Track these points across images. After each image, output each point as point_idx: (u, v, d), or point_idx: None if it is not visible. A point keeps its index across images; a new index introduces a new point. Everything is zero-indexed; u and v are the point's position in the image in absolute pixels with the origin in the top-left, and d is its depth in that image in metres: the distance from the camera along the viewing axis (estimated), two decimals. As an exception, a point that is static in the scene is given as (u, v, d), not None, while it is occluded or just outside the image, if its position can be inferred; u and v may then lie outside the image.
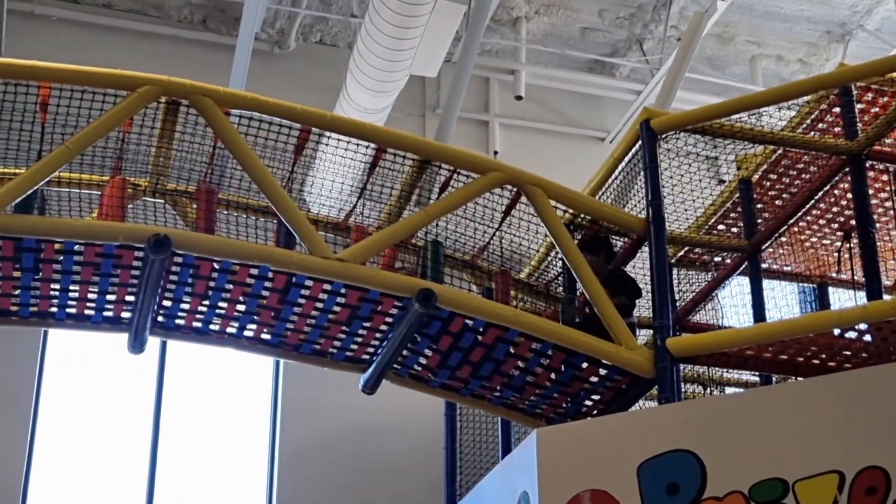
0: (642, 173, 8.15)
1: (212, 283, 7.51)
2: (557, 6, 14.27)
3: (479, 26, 12.15)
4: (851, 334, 7.49)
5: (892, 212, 8.76)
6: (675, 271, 9.69)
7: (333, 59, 13.88)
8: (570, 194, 8.15)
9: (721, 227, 9.76)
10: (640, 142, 8.20)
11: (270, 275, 7.40)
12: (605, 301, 7.82)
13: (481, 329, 7.69)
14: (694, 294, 9.80)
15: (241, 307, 7.74)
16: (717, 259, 9.77)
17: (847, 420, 6.05)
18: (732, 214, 9.65)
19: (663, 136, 8.16)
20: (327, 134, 7.90)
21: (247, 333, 8.08)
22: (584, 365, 7.81)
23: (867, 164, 8.54)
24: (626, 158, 8.58)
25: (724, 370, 9.55)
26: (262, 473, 12.40)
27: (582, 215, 8.41)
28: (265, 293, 7.56)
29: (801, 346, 7.57)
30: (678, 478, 6.18)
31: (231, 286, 7.53)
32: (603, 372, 7.81)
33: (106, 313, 7.80)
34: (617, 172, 8.77)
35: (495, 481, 7.39)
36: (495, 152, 14.27)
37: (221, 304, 7.72)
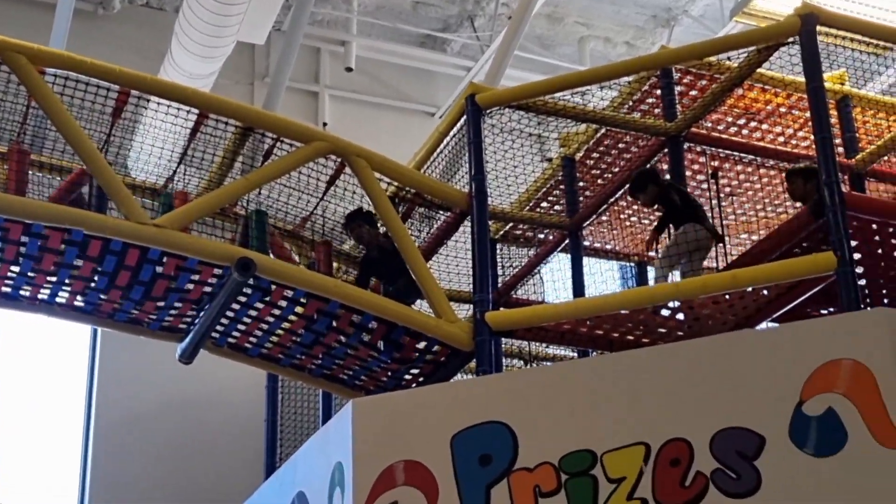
0: (467, 148, 8.18)
1: (22, 249, 7.24)
2: (390, -21, 14.24)
3: (309, -5, 12.02)
4: (665, 312, 7.68)
5: (708, 193, 8.98)
6: (498, 247, 9.78)
7: (159, 23, 13.53)
8: (394, 166, 8.13)
9: (544, 204, 9.89)
10: (465, 116, 8.22)
11: (84, 240, 7.17)
12: (426, 273, 7.85)
13: (302, 300, 7.62)
14: (516, 270, 9.90)
15: (53, 273, 7.50)
16: (539, 236, 9.89)
17: (654, 393, 6.19)
18: (555, 192, 9.79)
19: (488, 111, 8.20)
20: (148, 97, 7.69)
21: (59, 300, 7.85)
22: (405, 337, 7.82)
23: (685, 146, 8.75)
24: (452, 133, 8.61)
25: (546, 346, 9.70)
26: (77, 445, 12.08)
27: (406, 188, 8.41)
28: (78, 260, 7.33)
29: (617, 322, 7.73)
30: (491, 449, 6.23)
31: (42, 251, 7.28)
32: (423, 344, 7.83)
33: None
34: (442, 147, 8.78)
35: (311, 452, 7.34)
36: (324, 124, 14.16)
37: (32, 269, 7.46)
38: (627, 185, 8.35)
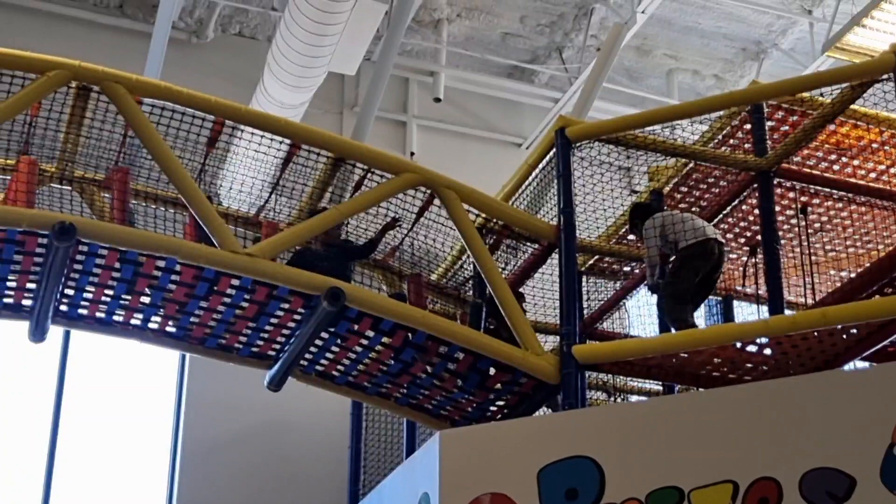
0: (556, 181, 8.19)
1: (117, 274, 7.40)
2: (479, 10, 14.30)
3: (399, 26, 12.13)
4: (752, 348, 7.60)
5: (796, 229, 8.90)
6: (584, 279, 9.76)
7: (252, 52, 13.75)
8: (483, 198, 8.17)
9: (632, 237, 9.84)
10: (554, 149, 8.24)
11: (178, 267, 7.31)
12: (513, 305, 7.85)
13: (389, 330, 7.68)
14: (602, 302, 9.87)
15: (146, 299, 7.65)
16: (626, 268, 9.85)
17: (743, 431, 6.13)
18: (643, 225, 9.72)
19: (577, 144, 8.21)
20: (241, 127, 7.83)
21: (151, 325, 7.99)
22: (491, 369, 7.83)
23: (775, 181, 8.68)
24: (541, 165, 8.63)
25: (629, 379, 9.65)
26: (164, 469, 12.24)
27: (494, 220, 8.44)
28: (171, 286, 7.47)
29: (704, 357, 7.67)
30: (577, 483, 6.23)
31: (137, 277, 7.43)
32: (509, 376, 7.84)
33: (6, 300, 7.66)
34: (531, 179, 8.81)
35: (397, 481, 7.39)
36: (412, 153, 14.26)
37: (126, 294, 7.62)
38: None
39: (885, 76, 7.64)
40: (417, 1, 12.81)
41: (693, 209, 9.34)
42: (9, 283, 7.50)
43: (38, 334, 7.67)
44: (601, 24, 14.36)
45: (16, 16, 13.14)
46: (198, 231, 7.66)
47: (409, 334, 7.68)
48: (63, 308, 7.78)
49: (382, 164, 7.96)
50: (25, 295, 7.61)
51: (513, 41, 14.84)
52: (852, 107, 8.16)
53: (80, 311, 7.84)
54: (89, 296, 7.67)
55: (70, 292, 7.62)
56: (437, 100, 14.61)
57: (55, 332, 8.11)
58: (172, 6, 11.58)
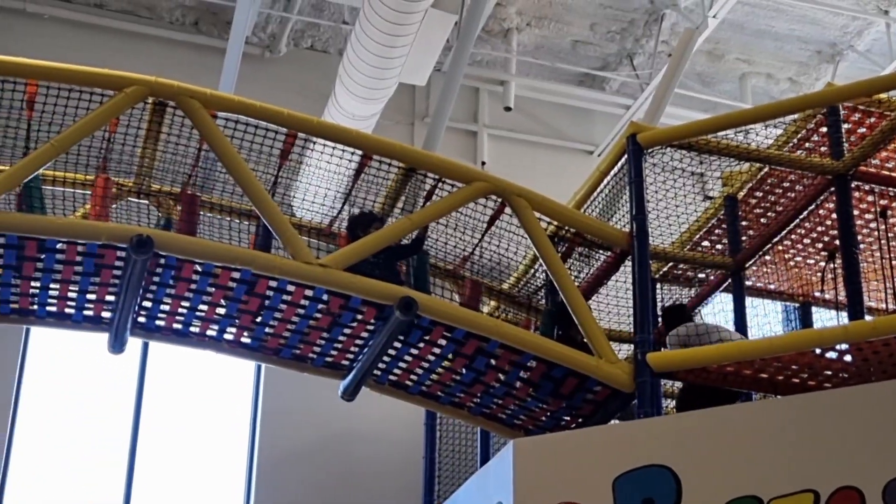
0: (628, 187, 8.15)
1: (193, 286, 7.50)
2: (549, 19, 14.28)
3: (469, 36, 12.15)
4: (832, 354, 7.49)
5: (876, 233, 8.75)
6: (658, 286, 9.68)
7: (323, 65, 13.87)
8: (555, 206, 8.15)
9: (706, 243, 9.75)
10: (626, 156, 8.19)
11: (252, 278, 7.38)
12: (586, 312, 7.81)
13: (462, 338, 7.68)
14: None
15: (222, 310, 7.73)
16: (700, 275, 9.76)
17: (824, 439, 6.04)
18: (717, 231, 9.65)
19: (649, 150, 8.16)
20: (314, 139, 7.89)
21: (227, 336, 8.07)
22: (564, 377, 7.80)
23: (853, 185, 8.55)
24: (613, 172, 8.59)
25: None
26: (241, 479, 12.35)
27: (566, 227, 8.41)
28: (246, 297, 7.54)
29: (782, 364, 7.57)
30: (654, 493, 6.17)
31: (212, 289, 7.52)
32: (582, 385, 7.80)
33: (86, 312, 7.80)
34: (603, 186, 8.76)
35: (471, 491, 7.38)
36: (483, 163, 14.27)
37: (202, 306, 7.71)
38: None
39: (965, 76, 7.49)
40: (487, 11, 12.83)
41: (769, 214, 9.24)
42: (89, 296, 7.63)
43: (117, 346, 7.80)
44: (672, 29, 14.27)
45: (94, 35, 13.40)
46: (258, 241, 7.74)
47: (482, 343, 7.67)
48: (141, 320, 7.90)
49: (453, 173, 7.98)
50: (105, 307, 7.73)
51: (583, 49, 14.80)
52: (932, 107, 8.02)
53: (158, 322, 7.95)
54: (166, 307, 7.77)
55: (148, 304, 7.73)
56: (508, 109, 14.62)
57: (134, 343, 8.21)
58: (246, 22, 11.72)
